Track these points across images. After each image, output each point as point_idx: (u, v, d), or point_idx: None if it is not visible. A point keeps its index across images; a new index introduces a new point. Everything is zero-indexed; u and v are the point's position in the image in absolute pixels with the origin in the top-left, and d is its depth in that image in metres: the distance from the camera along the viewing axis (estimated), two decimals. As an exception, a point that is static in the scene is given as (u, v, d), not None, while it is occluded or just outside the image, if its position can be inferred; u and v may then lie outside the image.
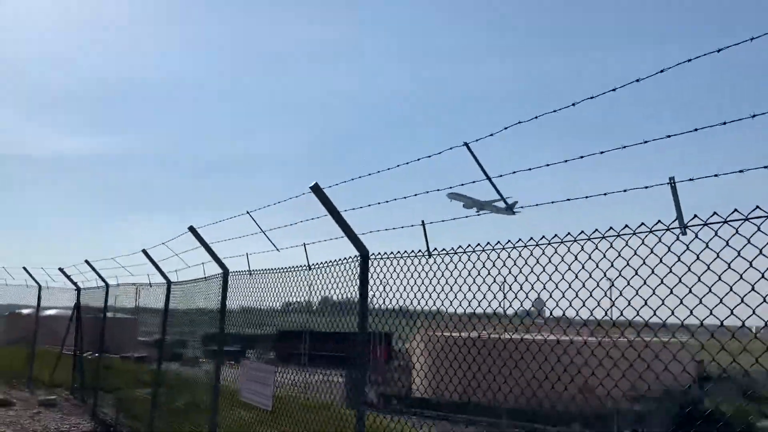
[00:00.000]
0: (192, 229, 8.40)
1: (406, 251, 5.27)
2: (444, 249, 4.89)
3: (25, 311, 31.59)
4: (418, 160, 4.54)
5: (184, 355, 15.09)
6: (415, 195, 4.82)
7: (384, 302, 5.75)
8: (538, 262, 4.09)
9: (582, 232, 3.84)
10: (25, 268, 16.56)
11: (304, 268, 6.82)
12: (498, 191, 4.18)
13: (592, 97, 3.31)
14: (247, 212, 7.08)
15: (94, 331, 16.20)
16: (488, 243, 4.46)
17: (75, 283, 15.70)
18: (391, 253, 5.45)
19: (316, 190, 5.67)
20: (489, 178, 4.16)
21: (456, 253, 4.76)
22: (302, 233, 7.19)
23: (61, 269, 15.25)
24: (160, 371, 11.55)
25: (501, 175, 4.06)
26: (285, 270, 7.19)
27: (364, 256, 5.81)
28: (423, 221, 4.97)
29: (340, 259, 6.13)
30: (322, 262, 6.50)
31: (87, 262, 13.49)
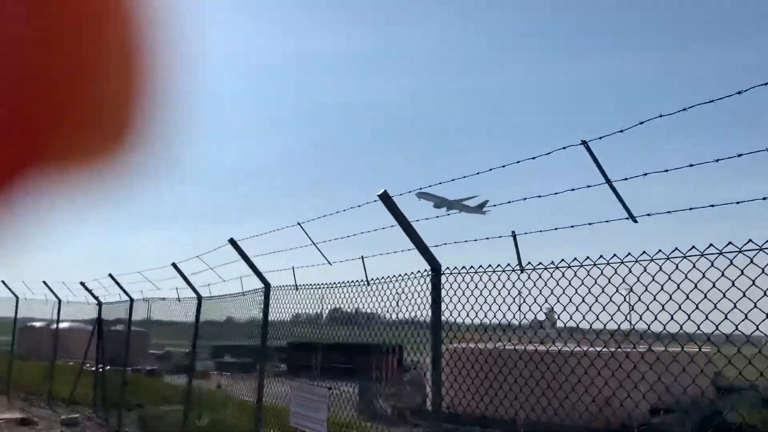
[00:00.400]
0: (232, 242, 7.89)
1: (490, 265, 4.73)
2: (541, 263, 4.34)
3: (37, 324, 31.16)
4: (534, 158, 3.98)
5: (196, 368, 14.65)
6: (509, 202, 4.27)
7: (456, 319, 5.24)
8: (670, 276, 3.54)
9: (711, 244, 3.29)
10: (45, 282, 16.13)
11: (361, 283, 6.29)
12: (619, 196, 3.63)
13: (765, 84, 2.77)
14: (298, 223, 6.58)
15: (112, 345, 15.74)
16: (604, 256, 3.91)
17: (96, 298, 15.24)
18: (471, 267, 4.92)
19: (385, 198, 5.14)
20: (609, 182, 3.62)
21: (557, 268, 4.21)
22: (353, 246, 6.67)
23: (82, 283, 14.79)
24: (191, 388, 11.04)
25: (626, 179, 3.51)
26: (338, 285, 6.66)
27: (436, 269, 5.27)
28: (514, 232, 4.43)
29: (406, 274, 5.60)
30: (384, 277, 5.98)
31: (111, 276, 13.02)
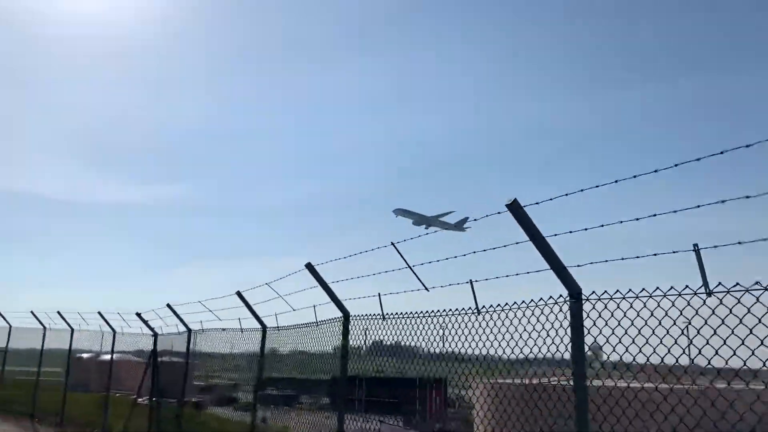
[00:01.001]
0: (309, 267, 7.14)
1: (658, 287, 3.83)
2: (738, 284, 3.42)
3: (85, 355, 31.00)
4: (722, 153, 3.12)
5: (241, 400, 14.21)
6: (687, 209, 3.38)
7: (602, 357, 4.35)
8: None
9: None
10: (100, 313, 15.71)
11: (469, 311, 5.44)
12: None
13: None
14: (392, 243, 5.78)
15: (164, 376, 15.21)
16: None
17: (152, 329, 14.71)
18: (630, 291, 4.02)
19: (515, 208, 4.30)
20: None
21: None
22: (445, 271, 5.84)
23: (138, 314, 14.29)
24: (255, 424, 10.27)
25: None
26: (438, 314, 5.82)
27: (576, 294, 4.39)
28: (696, 245, 3.52)
29: (532, 300, 4.73)
30: (498, 305, 5.11)
31: (169, 306, 12.46)
